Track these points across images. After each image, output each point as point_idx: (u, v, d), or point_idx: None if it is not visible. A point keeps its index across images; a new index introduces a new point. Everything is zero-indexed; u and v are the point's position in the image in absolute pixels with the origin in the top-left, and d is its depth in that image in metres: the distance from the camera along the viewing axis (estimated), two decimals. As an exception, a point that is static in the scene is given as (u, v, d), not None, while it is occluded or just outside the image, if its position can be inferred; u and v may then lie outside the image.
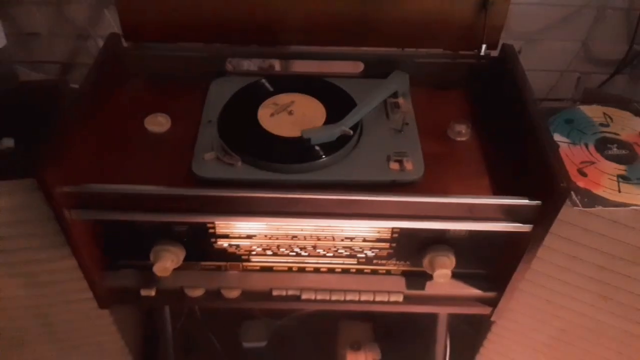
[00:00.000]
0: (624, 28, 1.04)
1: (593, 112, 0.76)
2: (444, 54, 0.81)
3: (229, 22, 0.79)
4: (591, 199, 0.64)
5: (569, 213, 0.68)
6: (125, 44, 0.81)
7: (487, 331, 0.98)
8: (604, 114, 0.75)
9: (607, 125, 0.74)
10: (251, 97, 0.76)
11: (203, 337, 1.25)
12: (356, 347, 1.21)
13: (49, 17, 1.09)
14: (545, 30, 1.05)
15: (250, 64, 0.91)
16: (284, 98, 0.76)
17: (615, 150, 0.70)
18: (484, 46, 0.77)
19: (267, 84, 0.78)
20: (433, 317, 1.08)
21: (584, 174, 0.67)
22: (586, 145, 0.71)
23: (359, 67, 0.84)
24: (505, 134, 0.74)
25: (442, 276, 0.71)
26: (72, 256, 0.76)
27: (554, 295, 0.83)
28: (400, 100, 0.77)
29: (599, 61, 1.09)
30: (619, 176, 0.67)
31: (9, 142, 0.67)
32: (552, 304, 0.85)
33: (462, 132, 0.75)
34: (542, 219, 0.63)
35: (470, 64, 0.81)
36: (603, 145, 0.71)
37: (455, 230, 0.72)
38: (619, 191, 0.65)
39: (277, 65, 0.96)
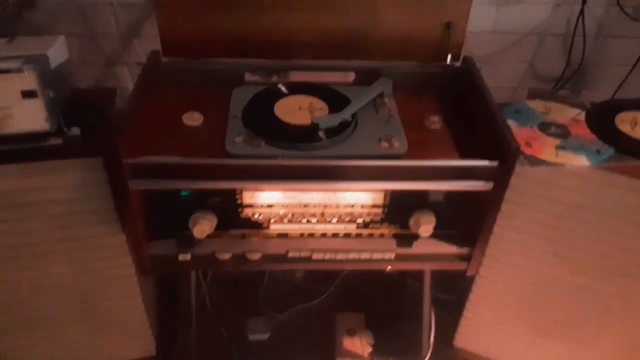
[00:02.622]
0: (562, 50, 1.28)
1: (536, 105, 0.97)
2: (418, 65, 1.03)
3: (248, 41, 0.99)
4: (536, 162, 0.84)
5: (520, 178, 0.88)
6: (164, 59, 1.00)
7: (465, 300, 1.15)
8: (545, 106, 0.97)
9: (547, 114, 0.95)
10: (268, 97, 0.95)
11: (213, 331, 1.38)
12: (351, 333, 1.36)
13: (82, 46, 1.27)
14: (498, 54, 1.29)
15: (254, 77, 1.09)
16: (294, 98, 0.96)
17: (553, 130, 0.91)
18: (449, 56, 0.99)
19: (281, 88, 0.98)
20: (419, 305, 1.24)
21: (529, 145, 0.87)
22: (531, 127, 0.92)
23: (351, 77, 1.04)
24: (469, 123, 0.94)
25: (425, 231, 0.89)
26: (121, 233, 0.93)
27: (516, 257, 1.01)
28: (386, 99, 0.97)
29: (544, 78, 1.33)
30: (557, 146, 0.87)
31: (76, 131, 0.84)
32: (515, 266, 1.03)
33: (435, 121, 0.94)
34: (499, 177, 0.83)
35: (439, 73, 1.03)
36: (544, 126, 0.92)
37: (434, 196, 0.90)
38: (557, 155, 0.85)
39: (276, 78, 1.14)
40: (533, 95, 0.98)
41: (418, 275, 1.22)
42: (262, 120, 0.90)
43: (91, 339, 1.13)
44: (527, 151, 0.86)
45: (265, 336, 1.39)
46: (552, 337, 1.11)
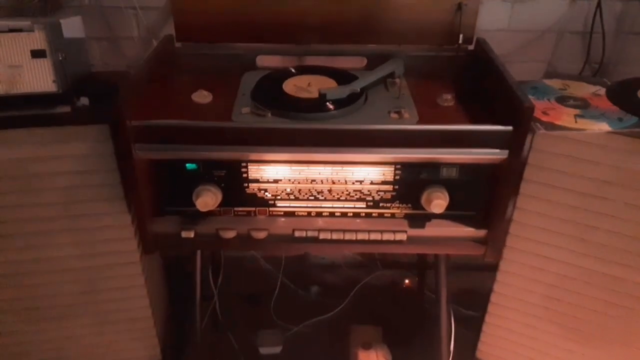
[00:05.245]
0: (582, 49, 1.26)
1: (553, 83, 0.94)
2: (431, 48, 1.02)
3: (261, 26, 1.00)
4: (553, 128, 0.80)
5: (538, 154, 0.84)
6: (177, 44, 1.01)
7: (487, 303, 1.08)
8: (563, 83, 0.94)
9: (565, 90, 0.92)
10: (278, 77, 0.95)
11: (223, 342, 1.32)
12: (367, 346, 1.28)
13: (104, 49, 1.31)
14: (515, 53, 1.27)
15: (265, 62, 1.07)
16: (304, 77, 0.95)
17: (572, 102, 0.88)
18: (461, 36, 0.98)
19: (291, 69, 0.97)
20: (438, 320, 1.16)
21: (546, 114, 0.83)
22: (549, 100, 0.88)
23: (363, 62, 1.03)
24: (483, 101, 0.91)
25: (438, 206, 0.84)
26: (127, 212, 0.91)
27: (539, 247, 0.95)
28: (397, 79, 0.96)
29: (564, 78, 1.29)
30: (575, 115, 0.83)
31: (85, 101, 0.85)
32: (539, 257, 0.96)
33: (448, 99, 0.92)
34: (514, 144, 0.78)
35: (452, 57, 1.01)
36: (562, 100, 0.88)
37: (447, 172, 0.86)
38: (576, 122, 0.81)
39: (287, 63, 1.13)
40: (550, 75, 0.95)
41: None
42: (269, 95, 0.89)
43: (94, 335, 1.09)
44: (544, 118, 0.82)
45: (277, 350, 1.33)
46: (583, 340, 1.01)
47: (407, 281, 1.44)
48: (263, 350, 1.32)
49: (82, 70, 0.92)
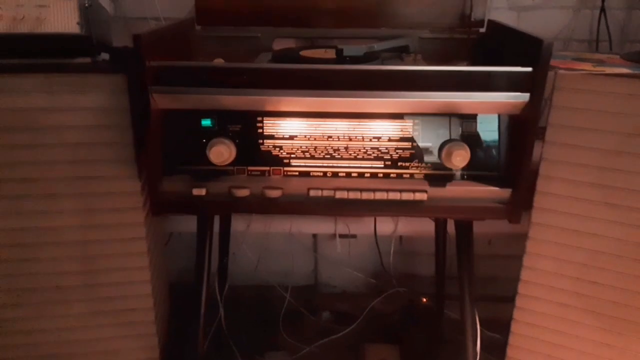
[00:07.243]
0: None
1: (566, 53, 0.95)
2: (443, 30, 1.04)
3: (277, 10, 1.04)
4: (573, 70, 0.80)
5: (559, 111, 0.83)
6: (197, 28, 1.05)
7: (516, 288, 1.00)
8: (576, 54, 0.95)
9: (579, 57, 0.93)
10: (295, 49, 0.97)
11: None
12: (384, 363, 1.18)
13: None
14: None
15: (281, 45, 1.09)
16: (320, 49, 0.97)
17: (588, 62, 0.88)
18: (472, 14, 1.00)
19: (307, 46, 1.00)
20: (460, 337, 1.07)
21: (565, 65, 0.83)
22: (564, 60, 0.88)
23: (376, 46, 1.06)
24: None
25: (459, 157, 0.81)
26: (136, 177, 0.89)
27: (565, 219, 0.90)
28: (412, 54, 0.97)
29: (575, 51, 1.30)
30: (593, 65, 0.83)
31: (105, 56, 0.86)
32: (567, 231, 0.91)
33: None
34: (535, 85, 0.77)
35: (465, 39, 1.04)
36: (579, 60, 0.89)
37: (466, 127, 0.84)
38: (595, 68, 0.80)
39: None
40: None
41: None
42: (287, 58, 0.91)
43: (85, 327, 1.00)
44: (562, 66, 0.82)
45: (284, 370, 1.22)
46: (621, 331, 0.92)
47: (424, 299, 1.35)
48: (270, 371, 1.22)
49: (104, 35, 0.93)
